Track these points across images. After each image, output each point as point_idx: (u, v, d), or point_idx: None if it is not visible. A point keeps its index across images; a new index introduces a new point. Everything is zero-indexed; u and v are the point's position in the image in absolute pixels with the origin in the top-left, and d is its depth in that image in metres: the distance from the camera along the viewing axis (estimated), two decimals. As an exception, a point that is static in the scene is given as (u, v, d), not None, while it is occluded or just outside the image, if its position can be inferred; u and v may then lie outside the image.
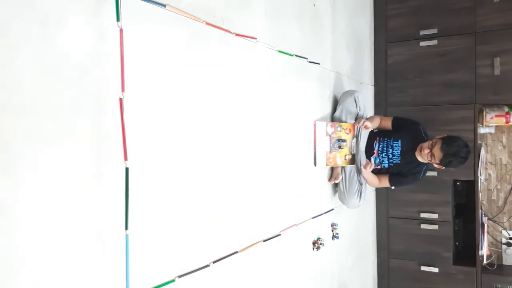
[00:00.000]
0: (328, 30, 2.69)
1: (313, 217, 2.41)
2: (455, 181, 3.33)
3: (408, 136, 2.63)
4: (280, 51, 2.08)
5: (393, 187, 2.75)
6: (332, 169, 2.66)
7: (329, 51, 2.70)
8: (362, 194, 2.66)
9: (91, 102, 1.13)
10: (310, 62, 2.41)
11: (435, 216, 3.32)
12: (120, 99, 1.21)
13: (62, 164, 1.07)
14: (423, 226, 3.35)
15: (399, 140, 2.65)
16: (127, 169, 1.22)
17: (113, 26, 1.19)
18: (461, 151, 2.41)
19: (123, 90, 1.22)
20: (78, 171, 1.11)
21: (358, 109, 2.66)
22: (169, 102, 1.40)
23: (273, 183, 2.02)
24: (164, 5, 1.36)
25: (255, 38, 1.87)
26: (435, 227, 3.32)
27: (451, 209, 3.30)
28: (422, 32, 3.37)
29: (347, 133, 2.62)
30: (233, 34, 1.71)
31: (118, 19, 1.20)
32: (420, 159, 2.56)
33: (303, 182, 2.33)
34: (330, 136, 2.52)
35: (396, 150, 2.65)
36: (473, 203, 3.23)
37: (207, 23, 1.56)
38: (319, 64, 2.52)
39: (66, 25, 1.07)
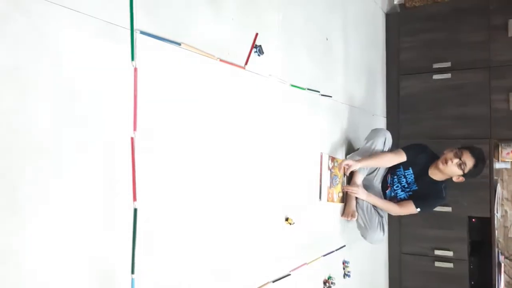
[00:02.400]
0: (340, 63, 2.69)
1: (324, 255, 2.33)
2: (470, 217, 3.23)
3: (417, 159, 2.53)
4: (292, 85, 2.06)
5: (418, 209, 2.47)
6: (345, 205, 2.60)
7: (341, 84, 2.69)
8: (384, 227, 2.56)
9: (100, 142, 1.11)
10: (322, 95, 2.39)
11: (450, 253, 3.22)
12: (132, 138, 1.19)
13: (69, 206, 1.04)
14: (437, 264, 3.24)
15: (410, 168, 2.55)
16: (135, 210, 1.19)
17: (127, 64, 1.18)
18: (485, 157, 2.38)
19: (135, 129, 1.20)
20: (85, 213, 1.08)
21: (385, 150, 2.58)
22: (181, 140, 1.37)
23: (282, 219, 1.97)
24: (179, 44, 1.36)
25: (269, 75, 1.86)
26: (450, 265, 3.20)
27: (467, 247, 3.19)
28: (436, 65, 3.35)
29: (339, 170, 2.58)
30: (246, 70, 1.70)
31: (132, 58, 1.19)
32: (438, 176, 2.45)
33: (313, 218, 2.27)
34: (330, 170, 2.49)
35: (409, 178, 2.55)
36: (489, 241, 3.12)
37: (221, 60, 1.55)
38: (331, 97, 2.50)
39: (79, 64, 1.06)
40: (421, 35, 3.47)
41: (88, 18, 1.07)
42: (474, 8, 3.25)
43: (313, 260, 2.20)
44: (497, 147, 3.29)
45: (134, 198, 1.19)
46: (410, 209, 2.47)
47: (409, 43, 3.51)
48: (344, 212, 2.58)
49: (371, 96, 3.25)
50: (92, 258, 1.09)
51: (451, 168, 2.33)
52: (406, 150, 2.54)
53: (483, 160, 2.33)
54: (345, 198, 2.62)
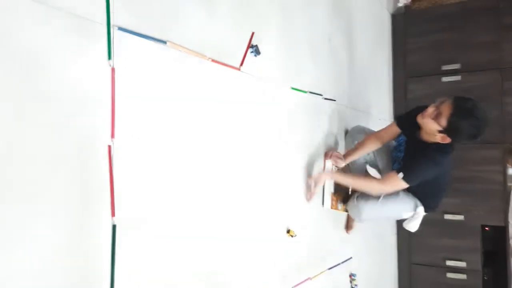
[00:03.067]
0: (345, 65, 2.56)
1: (329, 268, 2.19)
2: (483, 226, 3.07)
3: (409, 123, 2.01)
4: (293, 88, 1.94)
5: (401, 175, 1.90)
6: (349, 216, 2.46)
7: (346, 87, 2.55)
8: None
9: (75, 150, 0.99)
10: (325, 98, 2.26)
11: (462, 264, 3.05)
12: (109, 147, 1.07)
13: (41, 222, 0.91)
14: (449, 275, 3.08)
15: (402, 135, 2.15)
16: (114, 226, 1.06)
17: (104, 64, 1.06)
18: (478, 110, 1.71)
19: (112, 136, 1.07)
20: (57, 233, 0.95)
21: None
22: (167, 149, 1.25)
23: (283, 231, 1.83)
24: (165, 42, 1.24)
25: (267, 77, 1.73)
26: (463, 276, 3.04)
27: (480, 257, 3.03)
28: (444, 67, 3.21)
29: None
30: (240, 71, 1.58)
31: (109, 57, 1.07)
32: (425, 137, 1.91)
33: (316, 227, 2.13)
34: None
35: (402, 146, 2.18)
36: (503, 251, 2.96)
37: (213, 60, 1.43)
38: (335, 100, 2.37)
39: (45, 64, 0.94)
40: (429, 36, 3.33)
41: (56, 12, 0.95)
42: (483, 8, 3.12)
43: (317, 274, 2.06)
44: (510, 152, 3.13)
45: (113, 214, 1.06)
46: (392, 179, 1.93)
47: (416, 45, 3.38)
48: (348, 225, 2.43)
49: (377, 100, 3.11)
50: (67, 280, 0.96)
51: (427, 122, 1.81)
52: (398, 118, 2.14)
53: (470, 114, 1.71)
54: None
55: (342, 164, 2.18)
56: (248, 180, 1.61)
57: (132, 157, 1.13)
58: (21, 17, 0.89)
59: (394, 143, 2.28)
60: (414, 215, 2.14)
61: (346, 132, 2.50)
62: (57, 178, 0.95)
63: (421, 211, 2.12)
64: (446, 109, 1.75)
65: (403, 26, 3.44)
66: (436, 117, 1.77)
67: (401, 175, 1.89)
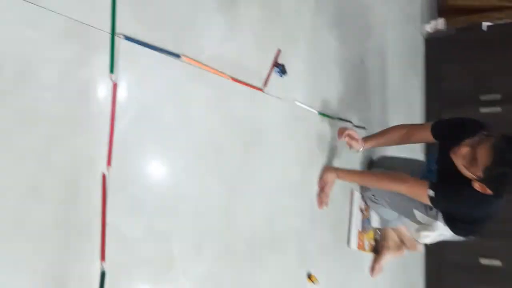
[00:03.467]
0: (377, 90, 2.36)
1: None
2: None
3: (450, 138, 1.56)
4: (320, 113, 1.75)
5: (431, 193, 1.52)
6: (375, 257, 2.20)
7: (377, 114, 2.35)
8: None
9: (62, 180, 0.82)
10: (355, 126, 2.06)
11: None
12: (104, 176, 0.89)
13: (12, 268, 0.74)
14: None
15: (436, 152, 1.71)
16: (103, 273, 0.88)
17: (105, 78, 0.90)
18: None
19: (109, 163, 0.90)
20: (35, 277, 0.77)
21: None
22: (174, 180, 1.07)
23: (303, 277, 1.61)
24: (179, 55, 1.07)
25: (292, 100, 1.55)
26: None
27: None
28: (483, 98, 2.97)
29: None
30: (264, 92, 1.40)
31: (112, 70, 0.91)
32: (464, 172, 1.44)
33: (342, 271, 1.90)
34: (362, 212, 2.12)
35: (431, 162, 1.74)
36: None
37: (233, 79, 1.26)
38: (365, 128, 2.17)
39: (36, 75, 0.78)
40: (466, 63, 3.10)
41: (52, 15, 0.80)
42: (526, 33, 2.89)
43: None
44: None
45: (102, 257, 0.88)
46: (419, 188, 1.56)
47: (452, 72, 3.15)
48: (374, 267, 2.17)
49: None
50: None
51: (459, 165, 1.42)
52: (435, 125, 1.66)
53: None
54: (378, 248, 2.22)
55: (359, 147, 1.75)
56: (265, 214, 1.41)
57: (131, 190, 0.96)
58: (9, 17, 0.74)
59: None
60: (430, 226, 1.83)
61: (372, 162, 2.26)
62: (35, 213, 0.77)
63: (441, 226, 1.73)
64: (484, 156, 1.32)
65: (437, 51, 3.24)
66: (471, 163, 1.36)
67: (431, 192, 1.52)
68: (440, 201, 1.54)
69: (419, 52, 3.20)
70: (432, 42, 3.28)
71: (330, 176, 1.73)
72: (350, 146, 1.76)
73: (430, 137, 1.65)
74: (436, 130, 1.64)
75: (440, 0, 3.43)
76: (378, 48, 2.38)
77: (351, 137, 1.73)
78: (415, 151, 2.81)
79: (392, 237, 2.17)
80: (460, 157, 1.39)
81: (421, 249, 2.17)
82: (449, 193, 1.52)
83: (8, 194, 0.73)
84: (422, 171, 1.79)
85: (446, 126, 1.62)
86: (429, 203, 1.55)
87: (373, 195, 2.00)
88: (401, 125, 1.81)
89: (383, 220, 2.05)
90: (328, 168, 1.76)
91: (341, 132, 1.74)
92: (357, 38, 2.12)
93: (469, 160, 1.36)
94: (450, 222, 1.64)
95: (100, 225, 0.88)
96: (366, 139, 1.82)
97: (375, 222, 2.06)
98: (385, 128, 1.89)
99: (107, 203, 0.89)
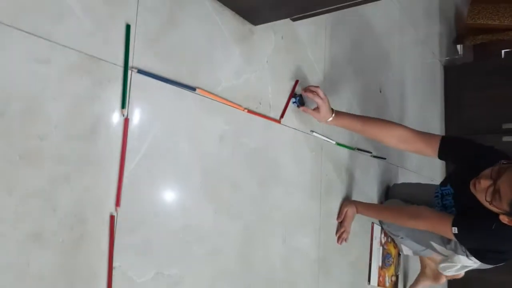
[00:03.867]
0: (396, 119, 2.28)
1: None
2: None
3: (460, 168, 1.50)
4: (338, 144, 1.69)
5: (455, 230, 1.38)
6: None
7: (396, 144, 2.27)
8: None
9: (66, 223, 0.77)
10: (374, 156, 1.99)
11: None
12: (112, 217, 0.84)
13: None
14: None
15: (448, 184, 1.55)
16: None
17: (116, 113, 0.86)
18: None
19: (117, 203, 0.85)
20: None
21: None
22: (190, 223, 1.01)
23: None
24: (194, 89, 1.03)
25: (310, 131, 1.50)
26: None
27: None
28: (506, 126, 2.87)
29: (395, 248, 2.10)
30: (282, 124, 1.35)
31: (123, 105, 0.87)
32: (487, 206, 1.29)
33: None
34: (382, 246, 2.02)
35: (448, 199, 1.54)
36: None
37: (248, 111, 1.21)
38: (385, 159, 2.09)
39: (45, 111, 0.74)
40: (487, 90, 3.02)
41: (62, 49, 0.77)
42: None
43: None
44: None
45: (108, 307, 0.82)
46: (442, 225, 1.41)
47: (472, 100, 3.07)
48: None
49: (429, 159, 2.79)
50: None
51: (481, 198, 1.28)
52: (445, 143, 1.40)
53: None
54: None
55: (321, 118, 1.39)
56: (281, 252, 1.34)
57: (140, 231, 0.90)
58: (19, 53, 0.71)
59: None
60: (451, 259, 1.68)
61: (388, 188, 2.16)
62: (37, 260, 0.72)
63: (462, 259, 1.60)
64: (507, 190, 1.19)
65: (456, 79, 3.17)
66: (493, 197, 1.23)
67: (455, 230, 1.38)
68: (465, 238, 1.42)
69: (438, 79, 3.14)
70: (451, 70, 3.22)
71: (350, 211, 1.65)
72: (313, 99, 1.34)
73: (433, 152, 1.41)
74: (446, 147, 1.40)
75: (458, 22, 3.39)
76: (396, 77, 2.33)
77: (312, 92, 1.33)
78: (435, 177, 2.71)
79: (429, 264, 2.06)
80: (481, 191, 1.26)
81: (443, 281, 2.04)
82: (474, 229, 1.39)
83: (8, 239, 0.68)
84: (437, 198, 1.63)
85: (459, 148, 1.41)
86: (454, 238, 1.43)
87: (388, 228, 1.92)
88: (400, 125, 1.48)
89: (414, 250, 1.93)
90: (347, 202, 1.69)
91: (308, 89, 1.36)
92: (375, 67, 2.08)
93: (491, 194, 1.23)
94: (478, 255, 1.52)
95: (107, 270, 0.82)
96: (342, 115, 1.43)
97: (406, 250, 1.95)
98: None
99: (114, 245, 0.83)
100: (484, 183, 1.24)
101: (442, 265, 1.75)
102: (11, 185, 0.69)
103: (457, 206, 1.50)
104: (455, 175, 1.58)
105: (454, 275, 1.81)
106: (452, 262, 1.69)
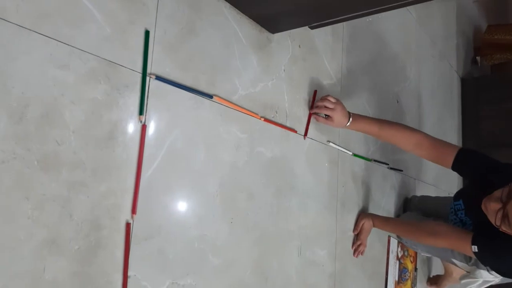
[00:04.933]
0: (413, 131, 2.25)
1: None
2: None
3: (472, 183, 1.45)
4: (355, 155, 1.66)
5: (475, 248, 1.33)
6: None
7: (414, 156, 2.23)
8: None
9: (82, 230, 0.76)
10: (391, 168, 1.95)
11: None
12: (128, 225, 0.83)
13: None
14: None
15: (460, 199, 1.51)
16: (122, 333, 0.80)
17: (133, 120, 0.85)
18: None
19: (134, 211, 0.83)
20: None
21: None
22: (206, 231, 0.99)
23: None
24: (211, 96, 1.02)
25: (326, 142, 1.47)
26: None
27: None
28: (525, 139, 2.81)
29: (411, 262, 2.05)
30: (298, 133, 1.33)
31: (141, 111, 0.86)
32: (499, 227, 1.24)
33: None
34: (399, 260, 1.98)
35: (461, 214, 1.50)
36: None
37: (265, 119, 1.20)
38: (402, 171, 2.05)
39: (64, 119, 0.74)
40: (504, 104, 2.96)
41: (79, 53, 0.76)
42: None
43: None
44: None
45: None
46: (461, 244, 1.37)
47: (490, 112, 3.02)
48: None
49: (447, 172, 2.73)
50: None
51: (490, 217, 1.22)
52: (462, 156, 1.33)
53: None
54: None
55: (338, 116, 1.35)
56: (297, 265, 1.30)
57: (156, 240, 0.88)
58: (39, 58, 0.70)
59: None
60: (473, 274, 1.62)
61: (405, 201, 2.11)
62: (52, 268, 0.71)
63: (484, 274, 1.56)
64: None
65: (475, 91, 3.12)
66: (502, 221, 1.17)
67: (474, 248, 1.33)
68: (486, 257, 1.36)
69: (455, 92, 3.10)
70: (468, 82, 3.18)
71: (367, 224, 1.62)
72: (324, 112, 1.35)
73: (448, 162, 1.35)
74: (461, 159, 1.33)
75: (475, 34, 3.36)
76: (413, 88, 2.30)
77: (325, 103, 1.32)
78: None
79: (456, 269, 1.99)
80: (491, 214, 1.20)
81: None
82: (495, 248, 1.32)
83: (23, 247, 0.67)
84: (452, 214, 1.58)
85: (474, 161, 1.34)
86: (473, 256, 1.37)
87: (406, 244, 1.87)
88: (419, 131, 1.45)
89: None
90: (364, 215, 1.65)
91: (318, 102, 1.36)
92: (392, 77, 2.05)
93: (500, 218, 1.16)
94: (499, 271, 1.45)
95: (122, 279, 0.81)
96: (359, 118, 1.40)
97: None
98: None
99: (130, 254, 0.82)
100: (494, 206, 1.17)
101: (463, 281, 1.69)
102: (28, 190, 0.68)
103: (473, 221, 1.45)
104: (467, 190, 1.53)
105: None
106: (474, 278, 1.64)
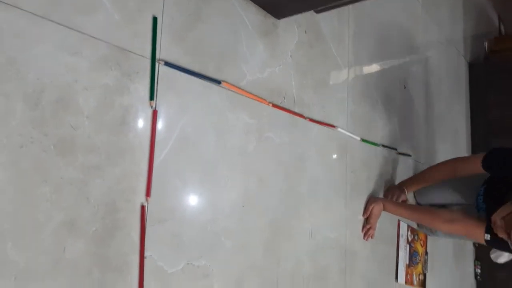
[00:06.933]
0: (421, 116, 2.25)
1: None
2: None
3: (496, 179, 1.49)
4: (364, 140, 1.67)
5: (487, 237, 1.40)
6: None
7: (422, 140, 2.23)
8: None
9: (98, 212, 0.78)
10: (399, 153, 1.96)
11: None
12: (143, 207, 0.85)
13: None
14: None
15: (484, 186, 1.57)
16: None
17: (144, 105, 0.87)
18: None
19: (148, 194, 0.86)
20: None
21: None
22: (217, 212, 1.01)
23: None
24: (219, 82, 1.04)
25: (334, 127, 1.48)
26: None
27: None
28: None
29: (422, 246, 2.06)
30: (306, 119, 1.34)
31: (152, 97, 0.88)
32: None
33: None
34: (409, 244, 1.99)
35: (480, 198, 1.56)
36: None
37: (273, 105, 1.21)
38: (410, 155, 2.05)
39: (73, 101, 0.76)
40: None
41: (89, 40, 0.78)
42: None
43: None
44: None
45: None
46: (475, 231, 1.43)
47: (499, 98, 2.99)
48: None
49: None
50: None
51: (498, 230, 1.29)
52: (490, 156, 1.45)
53: None
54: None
55: (404, 197, 1.75)
56: (308, 248, 1.32)
57: (170, 222, 0.90)
58: (52, 44, 0.72)
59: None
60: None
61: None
62: (71, 248, 0.73)
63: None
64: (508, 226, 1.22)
65: (482, 77, 3.09)
66: (509, 236, 1.23)
67: (487, 236, 1.40)
68: (496, 245, 1.41)
69: (463, 77, 3.08)
70: (476, 67, 3.15)
71: (376, 208, 1.63)
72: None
73: (480, 169, 1.47)
74: (489, 163, 1.44)
75: (483, 19, 3.33)
76: (420, 74, 2.29)
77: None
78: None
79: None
80: (497, 227, 1.27)
81: None
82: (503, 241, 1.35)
83: (43, 229, 0.70)
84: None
85: (503, 159, 1.41)
86: (484, 243, 1.41)
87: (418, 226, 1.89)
88: (444, 163, 1.67)
89: None
90: (373, 199, 1.66)
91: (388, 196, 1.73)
92: (399, 63, 2.05)
93: (507, 235, 1.24)
94: None
95: (138, 259, 0.83)
96: (405, 185, 1.73)
97: None
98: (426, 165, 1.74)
99: (145, 236, 0.84)
100: (498, 221, 1.25)
101: (493, 254, 1.72)
102: (46, 173, 0.70)
103: (488, 212, 1.46)
104: (493, 179, 1.55)
105: None
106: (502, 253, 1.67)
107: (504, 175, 1.41)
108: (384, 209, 1.65)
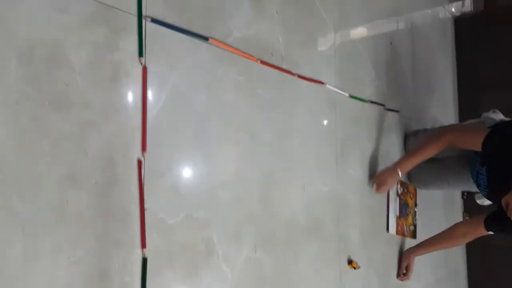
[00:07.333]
0: (408, 72, 2.28)
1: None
2: None
3: (502, 162, 1.43)
4: (352, 96, 1.69)
5: (491, 233, 1.57)
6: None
7: (409, 96, 2.27)
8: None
9: (97, 166, 0.80)
10: (387, 109, 1.99)
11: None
12: (139, 162, 0.87)
13: (58, 256, 0.73)
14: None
15: (485, 166, 1.54)
16: (144, 260, 0.86)
17: (134, 62, 0.88)
18: None
19: (144, 149, 0.88)
20: (77, 265, 0.76)
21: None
22: (207, 163, 1.04)
23: (344, 263, 1.56)
24: (207, 38, 1.05)
25: (323, 83, 1.50)
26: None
27: None
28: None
29: (411, 198, 2.13)
30: (295, 76, 1.36)
31: (141, 53, 0.89)
32: None
33: (382, 257, 1.83)
34: (399, 196, 2.05)
35: (482, 179, 1.58)
36: None
37: (261, 62, 1.22)
38: (398, 111, 2.09)
39: (63, 61, 0.77)
40: (500, 44, 2.94)
41: (77, -2, 0.79)
42: None
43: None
44: None
45: (143, 245, 0.86)
46: (477, 229, 1.58)
47: (485, 53, 3.01)
48: None
49: (443, 114, 2.78)
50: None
51: (510, 213, 1.32)
52: (494, 132, 1.43)
53: None
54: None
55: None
56: (302, 200, 1.37)
57: (168, 176, 0.93)
58: (39, 2, 0.73)
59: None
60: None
61: (405, 138, 2.17)
62: (72, 201, 0.76)
63: None
64: None
65: (469, 31, 3.10)
66: None
67: (491, 232, 1.57)
68: (501, 231, 1.56)
69: (449, 33, 3.09)
70: (462, 23, 3.15)
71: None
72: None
73: (478, 147, 1.46)
74: (492, 141, 1.41)
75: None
76: (407, 29, 2.30)
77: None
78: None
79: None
80: (509, 210, 1.32)
81: None
82: (507, 230, 1.51)
83: (45, 182, 0.72)
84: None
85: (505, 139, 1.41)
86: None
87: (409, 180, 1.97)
88: (438, 137, 1.60)
89: None
90: (407, 255, 1.86)
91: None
92: (385, 18, 2.06)
93: None
94: None
95: (139, 212, 0.86)
96: (400, 165, 1.68)
97: None
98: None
99: (144, 189, 0.87)
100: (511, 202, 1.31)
101: (479, 200, 1.86)
102: (44, 129, 0.72)
103: (490, 193, 1.57)
104: (494, 159, 1.52)
105: None
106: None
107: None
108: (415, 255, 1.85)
